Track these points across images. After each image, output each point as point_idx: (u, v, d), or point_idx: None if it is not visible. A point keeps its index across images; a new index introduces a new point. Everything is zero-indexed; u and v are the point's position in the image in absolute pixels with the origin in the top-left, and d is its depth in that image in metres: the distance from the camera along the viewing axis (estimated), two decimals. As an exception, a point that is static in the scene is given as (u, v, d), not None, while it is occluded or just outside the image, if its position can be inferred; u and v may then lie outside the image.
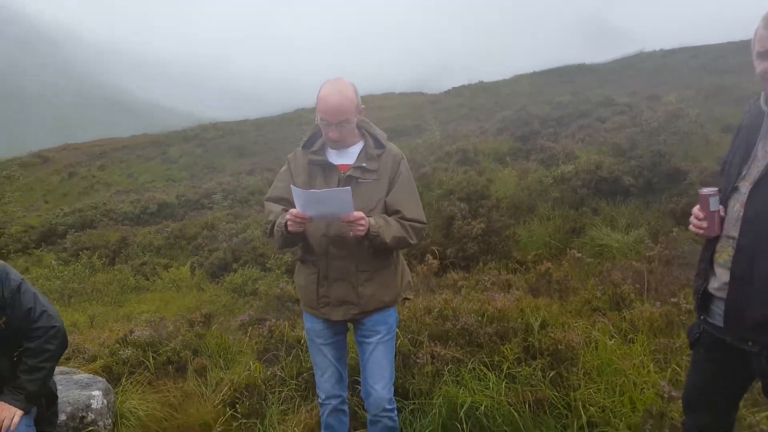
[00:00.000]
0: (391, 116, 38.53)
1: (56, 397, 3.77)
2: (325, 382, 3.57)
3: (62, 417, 4.00)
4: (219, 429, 4.53)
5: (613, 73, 40.06)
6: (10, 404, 3.30)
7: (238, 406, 4.62)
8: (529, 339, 4.50)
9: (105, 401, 4.36)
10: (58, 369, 3.83)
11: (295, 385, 4.72)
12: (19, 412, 3.30)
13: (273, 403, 4.57)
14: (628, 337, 4.85)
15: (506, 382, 4.12)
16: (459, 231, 9.28)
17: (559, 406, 3.96)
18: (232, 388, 4.79)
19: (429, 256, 7.91)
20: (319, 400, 3.64)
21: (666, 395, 3.67)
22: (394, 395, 3.52)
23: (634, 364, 4.24)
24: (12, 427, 3.26)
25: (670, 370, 4.24)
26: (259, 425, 4.45)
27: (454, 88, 48.64)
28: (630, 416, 3.78)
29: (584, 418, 3.80)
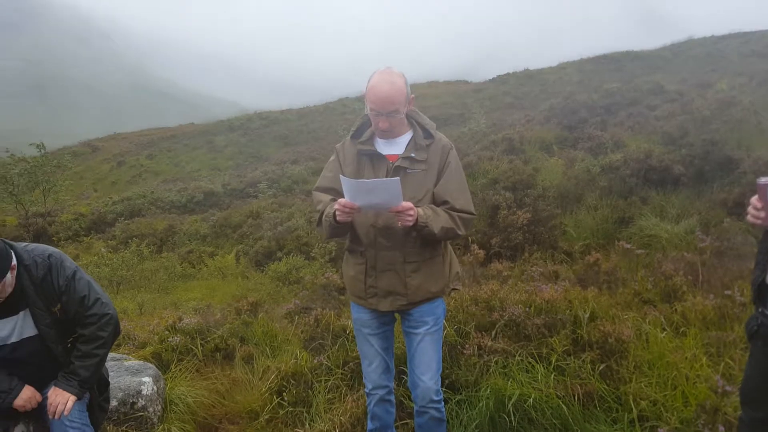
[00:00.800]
0: (435, 105, 38.41)
1: (108, 383, 3.83)
2: (372, 372, 3.56)
3: (113, 403, 4.07)
4: (266, 416, 4.57)
5: (663, 60, 39.23)
6: (64, 390, 3.37)
7: (284, 394, 4.65)
8: (578, 331, 4.43)
9: (155, 388, 4.42)
10: (109, 355, 3.89)
11: (341, 374, 4.72)
12: (72, 398, 3.36)
13: (319, 392, 4.59)
14: (680, 330, 4.76)
15: (555, 375, 4.06)
16: (504, 220, 9.21)
17: (609, 399, 3.90)
18: (279, 376, 4.82)
19: (474, 246, 7.86)
20: (366, 390, 3.63)
21: (720, 390, 3.58)
22: (440, 386, 3.50)
23: (686, 358, 4.15)
24: (66, 412, 3.33)
25: (723, 363, 4.14)
26: (305, 413, 4.48)
27: (499, 76, 48.18)
28: (682, 411, 3.69)
29: (635, 412, 3.73)
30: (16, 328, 3.37)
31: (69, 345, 3.52)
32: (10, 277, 3.19)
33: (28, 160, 25.55)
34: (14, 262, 3.24)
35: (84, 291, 3.41)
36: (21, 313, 3.35)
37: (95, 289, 3.47)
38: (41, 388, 3.48)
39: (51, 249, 3.48)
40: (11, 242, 3.34)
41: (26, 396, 3.39)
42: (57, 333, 3.43)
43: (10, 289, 3.23)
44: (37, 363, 3.45)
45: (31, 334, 3.39)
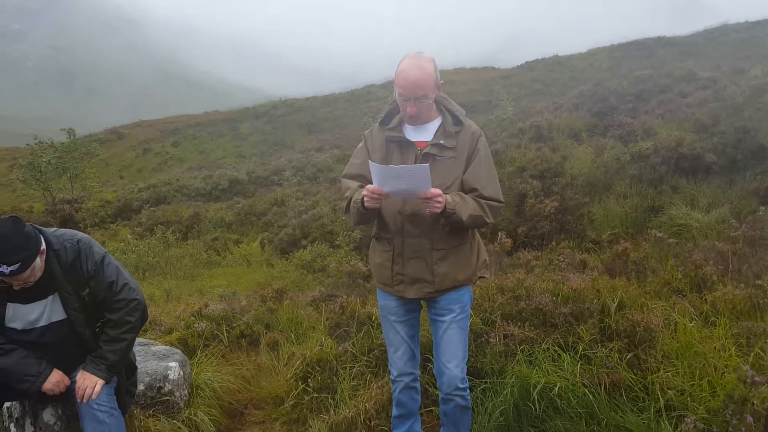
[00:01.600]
0: (461, 92, 38.19)
1: (135, 367, 3.87)
2: (398, 359, 3.55)
3: (140, 387, 4.11)
4: (291, 402, 4.59)
5: (696, 46, 38.68)
6: (93, 373, 3.41)
7: (309, 380, 4.67)
8: (606, 320, 4.38)
9: (181, 372, 4.45)
10: (136, 340, 3.92)
11: (366, 361, 4.72)
12: (100, 382, 3.40)
13: (344, 379, 4.60)
14: (710, 320, 4.68)
15: (581, 364, 4.02)
16: (531, 209, 9.14)
17: (636, 388, 3.85)
18: (304, 363, 4.84)
19: (501, 235, 7.81)
20: (391, 377, 3.62)
21: (749, 380, 3.51)
22: (466, 374, 3.48)
23: (715, 348, 4.09)
24: (94, 396, 3.36)
25: (753, 354, 4.06)
26: (330, 399, 4.49)
27: (527, 63, 47.77)
28: (710, 401, 3.64)
29: (662, 401, 3.68)
30: (45, 312, 3.41)
31: (97, 329, 3.56)
32: (39, 262, 3.23)
33: (56, 147, 25.90)
34: (43, 246, 3.27)
35: (112, 276, 3.45)
36: (50, 297, 3.40)
37: (123, 275, 3.51)
38: (69, 371, 3.52)
39: (80, 234, 3.52)
40: (40, 227, 3.38)
41: (54, 380, 3.43)
42: (85, 317, 3.47)
43: (39, 274, 3.27)
44: (65, 347, 3.49)
45: (60, 318, 3.43)
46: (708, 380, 3.77)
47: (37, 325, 3.42)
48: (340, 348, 4.91)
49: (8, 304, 3.36)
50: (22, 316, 3.39)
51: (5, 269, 3.07)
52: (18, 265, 3.09)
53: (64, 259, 3.36)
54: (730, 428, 3.15)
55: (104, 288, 3.43)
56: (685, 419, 3.46)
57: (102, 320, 3.56)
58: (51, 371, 3.43)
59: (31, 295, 3.35)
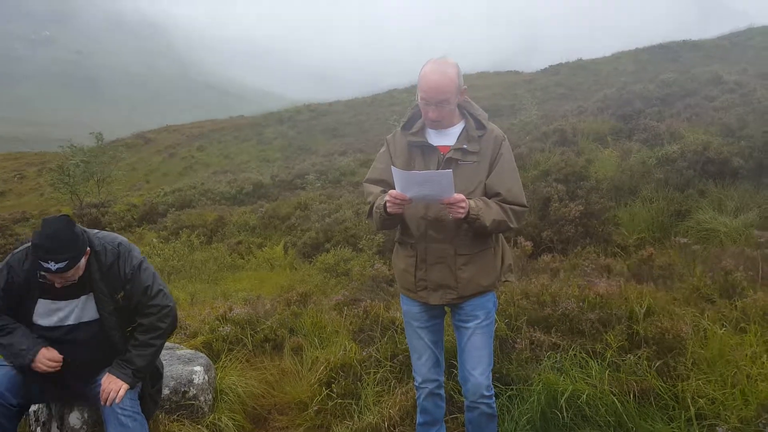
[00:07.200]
0: (485, 96, 37.92)
1: (161, 375, 3.88)
2: (422, 365, 3.52)
3: (165, 391, 4.11)
4: (315, 408, 4.57)
5: (722, 49, 38.17)
6: (118, 377, 3.42)
7: (333, 385, 4.65)
8: (634, 327, 4.32)
9: (206, 377, 4.45)
10: (162, 344, 3.92)
11: (390, 366, 4.70)
12: (125, 386, 3.41)
13: (368, 384, 4.57)
14: (740, 326, 4.60)
15: (609, 371, 3.97)
16: (555, 213, 9.08)
17: (666, 397, 3.80)
18: (327, 368, 4.83)
19: (522, 239, 7.75)
20: (416, 384, 3.60)
21: (782, 389, 3.45)
22: (492, 381, 3.44)
23: (746, 355, 4.02)
24: (117, 400, 3.37)
25: (787, 362, 3.98)
26: (354, 405, 4.46)
27: (551, 67, 47.39)
28: (742, 410, 3.58)
29: (692, 410, 3.63)
30: (74, 311, 3.44)
31: (127, 334, 3.58)
32: (83, 262, 3.27)
33: (85, 151, 26.23)
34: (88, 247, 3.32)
35: (148, 281, 3.49)
36: (82, 297, 3.43)
37: (158, 281, 3.56)
38: (94, 374, 3.54)
39: (120, 238, 3.58)
40: (86, 228, 3.43)
41: (44, 356, 3.35)
42: (117, 320, 3.50)
43: (80, 273, 3.31)
44: (92, 347, 3.50)
45: (90, 319, 3.46)
46: (740, 389, 3.71)
47: (65, 324, 3.44)
48: (364, 353, 4.89)
49: (39, 299, 3.39)
50: (49, 312, 3.42)
51: (53, 266, 3.12)
52: (66, 263, 3.14)
53: (104, 261, 3.41)
54: (763, 438, 3.09)
55: (139, 292, 3.46)
56: (717, 428, 3.41)
57: (133, 325, 3.58)
58: (42, 346, 3.37)
59: (63, 293, 3.38)
